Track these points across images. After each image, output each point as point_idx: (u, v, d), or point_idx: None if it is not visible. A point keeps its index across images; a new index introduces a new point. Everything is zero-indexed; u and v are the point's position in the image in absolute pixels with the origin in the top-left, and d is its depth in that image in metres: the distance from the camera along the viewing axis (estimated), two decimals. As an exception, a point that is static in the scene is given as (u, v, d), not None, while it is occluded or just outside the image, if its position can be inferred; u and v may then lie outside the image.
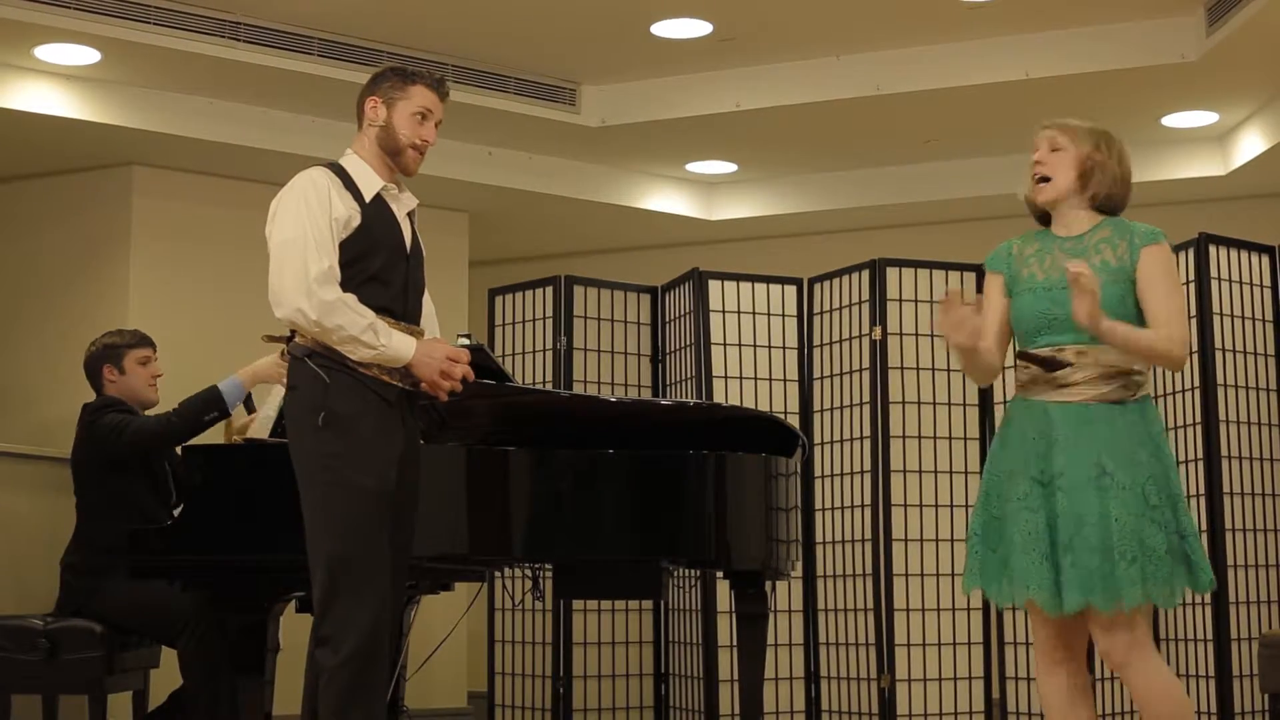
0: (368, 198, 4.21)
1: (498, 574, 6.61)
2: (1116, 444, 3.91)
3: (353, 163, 4.27)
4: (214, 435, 5.79)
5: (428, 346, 4.20)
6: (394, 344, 4.12)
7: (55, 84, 6.87)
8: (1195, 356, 6.57)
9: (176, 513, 5.05)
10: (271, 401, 5.45)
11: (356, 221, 4.16)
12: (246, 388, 5.73)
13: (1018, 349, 4.11)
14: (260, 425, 5.43)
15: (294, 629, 5.66)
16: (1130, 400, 3.95)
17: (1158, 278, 3.96)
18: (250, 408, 5.78)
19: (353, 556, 4.05)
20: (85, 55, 6.64)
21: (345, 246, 4.14)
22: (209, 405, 5.63)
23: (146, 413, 5.91)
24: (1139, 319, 3.98)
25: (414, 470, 4.27)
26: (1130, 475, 3.88)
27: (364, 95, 4.32)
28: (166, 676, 5.89)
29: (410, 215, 4.37)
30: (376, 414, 4.13)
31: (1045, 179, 4.08)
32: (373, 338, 4.07)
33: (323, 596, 4.06)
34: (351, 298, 4.09)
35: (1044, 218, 4.19)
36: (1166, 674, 3.94)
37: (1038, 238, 4.16)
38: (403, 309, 4.25)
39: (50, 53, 6.61)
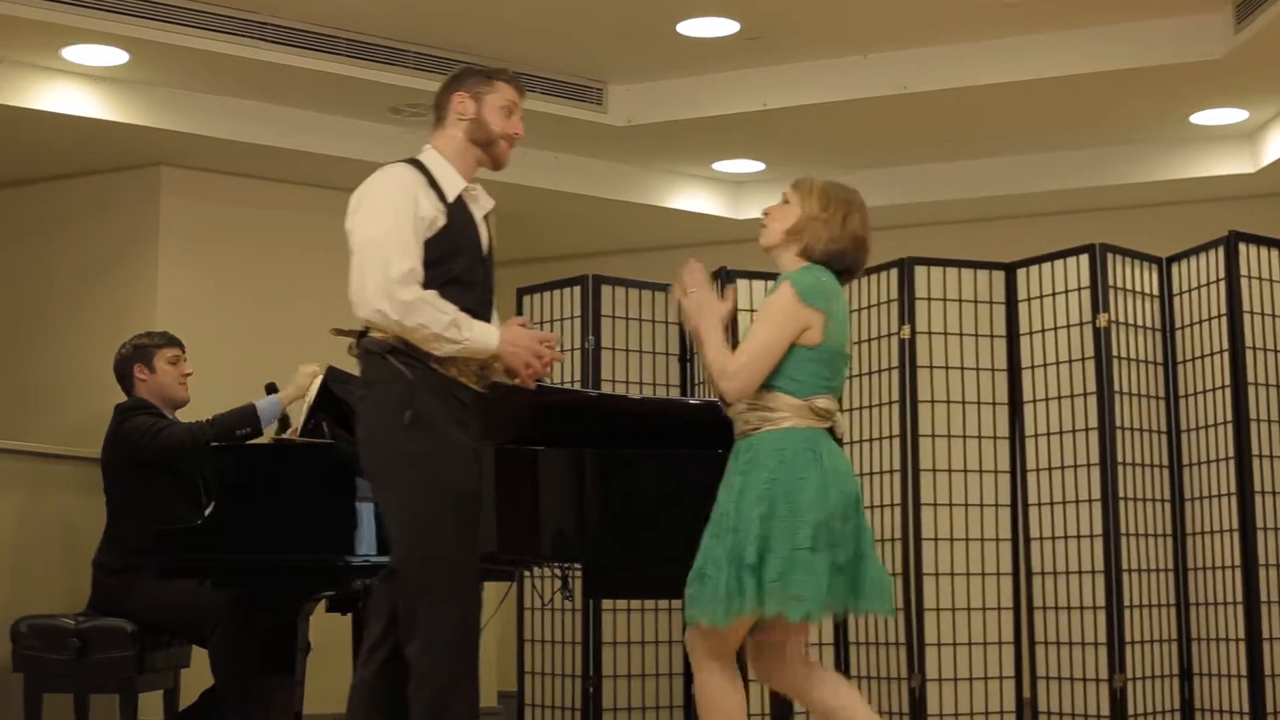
0: (450, 198, 4.18)
1: (526, 573, 6.61)
2: (727, 476, 4.12)
3: (433, 160, 4.22)
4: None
5: (511, 334, 4.18)
6: (477, 334, 4.09)
7: (83, 85, 6.89)
8: (1225, 355, 6.55)
9: (207, 512, 5.06)
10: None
11: (441, 222, 4.13)
12: (284, 407, 5.75)
13: None
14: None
15: (324, 628, 5.67)
16: (752, 433, 4.10)
17: (759, 313, 4.14)
18: (286, 425, 5.78)
19: (448, 555, 4.02)
20: (113, 56, 6.66)
21: (428, 247, 4.09)
22: (243, 421, 5.68)
23: (177, 412, 5.93)
24: (788, 362, 4.07)
25: (480, 473, 4.25)
26: (722, 505, 4.09)
27: (448, 92, 4.29)
28: (198, 675, 5.90)
29: (486, 217, 4.34)
30: (457, 413, 4.11)
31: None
32: (456, 332, 4.04)
33: (414, 595, 4.01)
34: (433, 294, 4.04)
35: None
36: (718, 686, 4.08)
37: None
38: (482, 312, 4.21)
39: (78, 54, 6.63)
